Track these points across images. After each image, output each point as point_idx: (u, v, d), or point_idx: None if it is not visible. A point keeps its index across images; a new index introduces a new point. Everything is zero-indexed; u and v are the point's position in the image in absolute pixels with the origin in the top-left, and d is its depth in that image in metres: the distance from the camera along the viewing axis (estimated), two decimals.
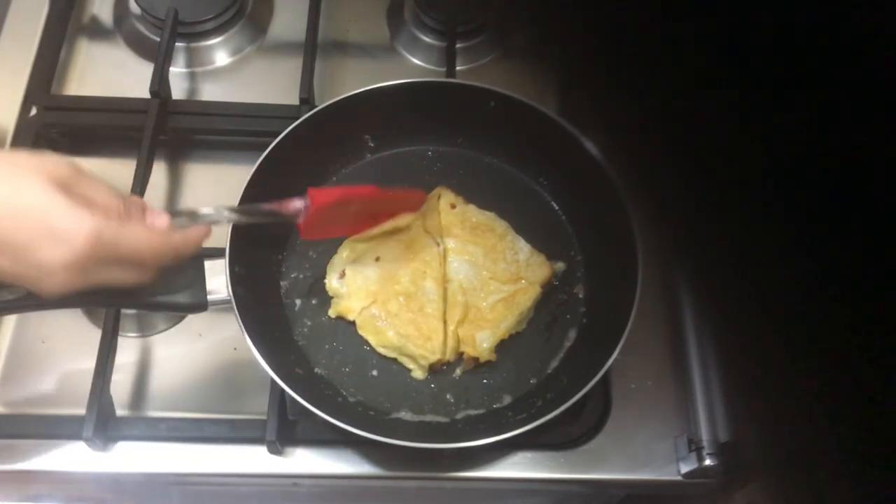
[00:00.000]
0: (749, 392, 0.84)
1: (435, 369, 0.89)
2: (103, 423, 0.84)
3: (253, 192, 0.88)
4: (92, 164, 1.01)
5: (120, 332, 0.88)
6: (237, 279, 0.83)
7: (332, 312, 0.91)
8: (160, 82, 0.99)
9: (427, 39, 1.13)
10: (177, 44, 1.08)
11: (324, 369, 0.90)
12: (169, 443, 0.86)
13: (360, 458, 0.86)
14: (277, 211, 0.79)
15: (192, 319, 0.94)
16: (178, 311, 0.92)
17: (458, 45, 1.08)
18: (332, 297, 0.92)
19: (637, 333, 0.83)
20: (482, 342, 0.89)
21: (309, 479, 0.87)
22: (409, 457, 0.85)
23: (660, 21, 1.03)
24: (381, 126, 1.00)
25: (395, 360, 0.90)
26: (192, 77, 1.10)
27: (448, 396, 0.89)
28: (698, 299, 0.94)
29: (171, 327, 0.94)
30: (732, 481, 0.84)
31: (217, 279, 0.81)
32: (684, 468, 0.86)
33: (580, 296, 0.95)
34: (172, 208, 0.69)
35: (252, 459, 0.86)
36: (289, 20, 1.15)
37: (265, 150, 0.90)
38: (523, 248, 0.94)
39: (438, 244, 0.93)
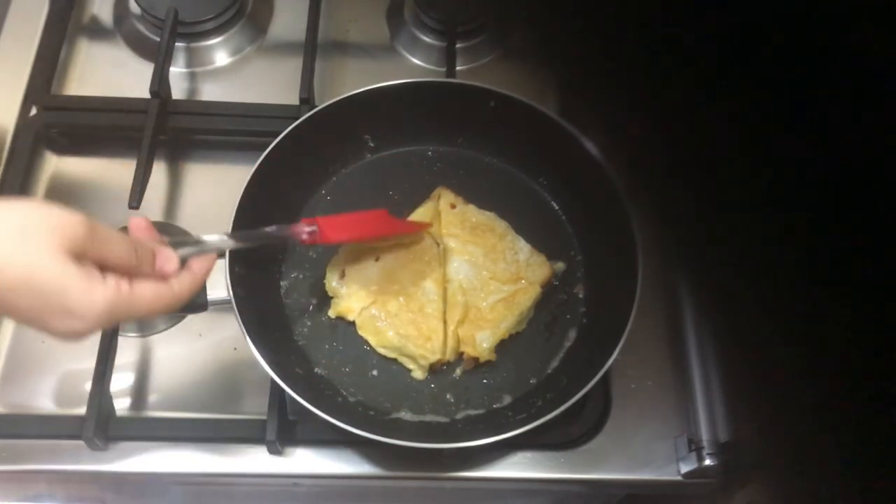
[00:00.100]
0: (749, 392, 0.84)
1: (435, 369, 0.89)
2: (103, 423, 0.84)
3: (253, 192, 0.88)
4: (92, 164, 1.03)
5: (120, 332, 0.89)
6: (237, 279, 0.83)
7: (332, 312, 0.91)
8: (160, 82, 0.99)
9: (427, 39, 1.13)
10: (177, 44, 1.08)
11: (324, 369, 0.90)
12: (169, 443, 0.86)
13: (360, 458, 0.86)
14: (284, 237, 0.79)
15: (192, 319, 0.94)
16: (179, 311, 0.92)
17: (458, 45, 1.08)
18: (331, 298, 0.92)
19: (637, 333, 0.83)
20: (482, 342, 0.89)
21: (309, 479, 0.87)
22: (409, 457, 0.85)
23: (660, 21, 1.03)
24: (381, 126, 1.00)
25: (395, 360, 0.90)
26: (192, 77, 1.10)
27: (448, 396, 0.89)
28: (698, 299, 0.94)
29: (171, 327, 0.94)
30: (732, 481, 0.84)
31: (217, 279, 0.81)
32: (684, 468, 0.86)
33: (580, 296, 0.95)
34: (178, 236, 0.68)
35: (252, 459, 0.86)
36: (289, 20, 1.15)
37: (265, 150, 0.90)
38: (523, 248, 0.94)
39: (438, 244, 0.93)
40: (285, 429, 0.85)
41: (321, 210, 0.99)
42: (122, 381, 0.90)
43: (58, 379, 0.90)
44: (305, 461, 0.86)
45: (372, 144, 1.02)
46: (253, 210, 0.88)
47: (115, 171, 1.01)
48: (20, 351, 0.91)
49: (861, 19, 0.65)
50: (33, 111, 1.03)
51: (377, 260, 0.92)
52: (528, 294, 0.91)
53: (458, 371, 0.90)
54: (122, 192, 0.93)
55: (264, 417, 0.84)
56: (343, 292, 0.91)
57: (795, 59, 0.75)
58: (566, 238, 0.99)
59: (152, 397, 0.90)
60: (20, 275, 0.55)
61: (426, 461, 0.86)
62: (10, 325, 0.93)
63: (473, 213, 0.96)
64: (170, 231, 0.97)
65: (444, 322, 0.89)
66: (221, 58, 1.12)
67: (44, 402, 0.89)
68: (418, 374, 0.89)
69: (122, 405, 0.88)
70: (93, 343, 0.86)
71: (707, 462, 0.83)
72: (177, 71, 1.09)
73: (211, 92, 1.09)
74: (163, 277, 0.65)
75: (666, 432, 0.89)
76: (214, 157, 1.04)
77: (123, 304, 0.61)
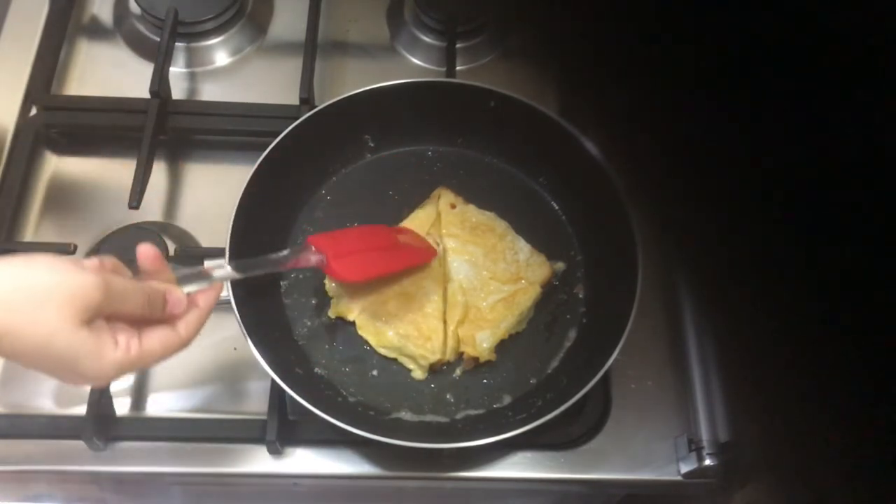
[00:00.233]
0: (749, 392, 0.84)
1: (435, 369, 0.89)
2: (103, 423, 0.84)
3: (253, 192, 0.88)
4: (92, 164, 1.03)
5: None
6: (237, 279, 0.83)
7: (331, 313, 0.91)
8: (160, 82, 0.99)
9: (427, 39, 1.13)
10: (177, 44, 1.08)
11: (324, 369, 0.90)
12: (169, 443, 0.86)
13: (360, 458, 0.86)
14: (290, 266, 0.79)
15: None
16: None
17: (458, 45, 1.08)
18: (331, 298, 0.92)
19: (637, 333, 0.83)
20: (482, 342, 0.89)
21: (309, 479, 0.87)
22: (409, 457, 0.85)
23: (660, 21, 1.03)
24: (381, 126, 1.00)
25: (395, 360, 0.90)
26: (192, 77, 1.10)
27: (448, 396, 0.89)
28: (698, 299, 0.94)
29: None
30: (732, 481, 0.84)
31: None
32: (684, 468, 0.86)
33: (580, 296, 0.95)
34: (184, 268, 0.68)
35: (252, 459, 0.86)
36: (289, 20, 1.15)
37: (265, 150, 0.90)
38: (523, 248, 0.94)
39: (438, 244, 0.93)
40: (285, 429, 0.85)
41: (321, 210, 0.99)
42: (122, 381, 0.90)
43: None
44: (305, 461, 0.86)
45: (372, 144, 1.02)
46: (253, 210, 0.88)
47: (115, 171, 1.01)
48: None
49: (862, 18, 0.65)
50: (33, 111, 1.04)
51: None
52: (528, 294, 0.91)
53: (458, 371, 0.90)
54: (122, 192, 0.93)
55: (264, 417, 0.84)
56: (343, 292, 0.91)
57: (795, 59, 0.75)
58: (566, 238, 0.99)
59: (152, 397, 0.90)
60: (35, 343, 0.56)
61: (426, 461, 0.86)
62: None
63: (473, 213, 0.96)
64: (170, 231, 0.97)
65: (444, 322, 0.89)
66: (221, 58, 1.12)
67: (44, 402, 0.89)
68: (418, 374, 0.89)
69: (122, 405, 0.88)
70: None
71: (707, 462, 0.83)
72: (177, 71, 1.09)
73: (211, 92, 1.09)
74: (171, 319, 0.66)
75: (666, 432, 0.89)
76: (214, 157, 1.04)
77: (133, 363, 0.62)
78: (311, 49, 1.05)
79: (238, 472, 0.86)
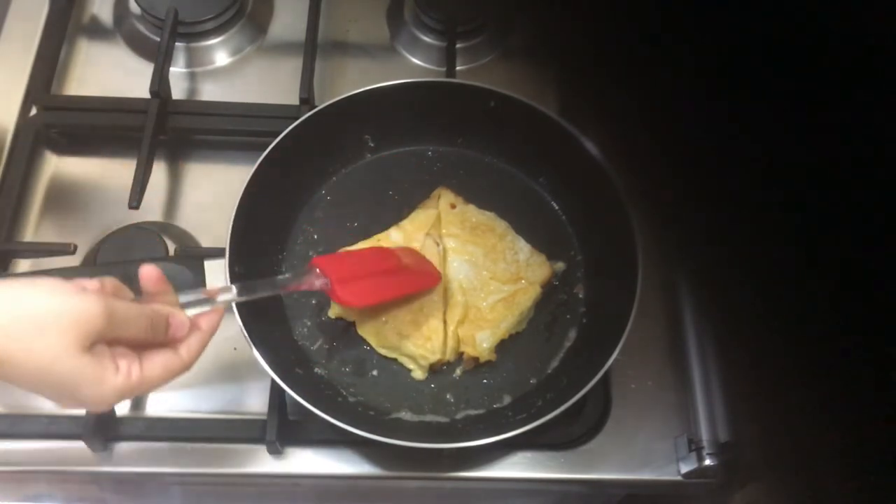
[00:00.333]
0: (749, 392, 0.84)
1: (435, 369, 0.89)
2: (103, 423, 0.84)
3: (253, 192, 0.88)
4: (92, 164, 1.03)
5: None
6: (237, 279, 0.83)
7: (331, 313, 0.91)
8: (160, 82, 0.99)
9: (427, 39, 1.13)
10: (177, 44, 1.08)
11: (324, 369, 0.90)
12: (169, 443, 0.86)
13: (360, 458, 0.86)
14: (294, 289, 0.79)
15: None
16: None
17: (458, 45, 1.08)
18: None
19: (637, 333, 0.83)
20: (482, 342, 0.89)
21: (309, 479, 0.87)
22: (409, 457, 0.85)
23: (660, 21, 1.03)
24: (381, 126, 1.00)
25: (395, 360, 0.90)
26: (192, 77, 1.10)
27: (448, 396, 0.89)
28: (698, 299, 0.94)
29: None
30: (732, 481, 0.84)
31: (217, 279, 0.81)
32: (684, 468, 0.86)
33: (580, 296, 0.95)
34: (188, 292, 0.68)
35: (252, 459, 0.86)
36: (289, 20, 1.15)
37: (265, 150, 0.90)
38: (523, 248, 0.94)
39: (438, 244, 0.93)
40: (285, 429, 0.85)
41: (321, 210, 0.99)
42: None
43: None
44: (305, 461, 0.86)
45: (372, 144, 1.02)
46: (253, 210, 0.88)
47: (115, 171, 1.01)
48: None
49: (862, 18, 0.65)
50: (33, 111, 1.03)
51: None
52: (528, 294, 0.91)
53: (458, 371, 0.90)
54: (122, 192, 0.93)
55: (264, 417, 0.84)
56: None
57: (795, 59, 0.75)
58: (566, 238, 0.99)
59: (152, 397, 0.90)
60: (36, 369, 0.56)
61: (426, 461, 0.86)
62: None
63: (473, 213, 0.96)
64: (170, 231, 0.97)
65: (444, 322, 0.89)
66: (221, 58, 1.12)
67: (44, 402, 0.88)
68: (418, 374, 0.89)
69: (122, 405, 0.88)
70: None
71: (707, 462, 0.83)
72: (177, 71, 1.09)
73: (211, 92, 1.09)
74: (174, 342, 0.66)
75: (666, 432, 0.89)
76: (214, 157, 1.04)
77: (135, 389, 0.61)
78: (311, 49, 1.05)
79: (238, 472, 0.86)
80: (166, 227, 0.98)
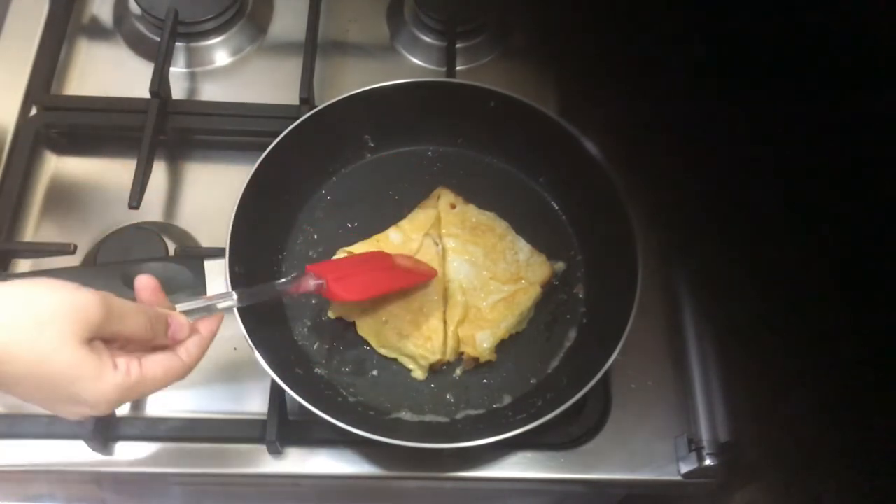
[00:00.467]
0: (749, 392, 0.84)
1: (435, 369, 0.89)
2: (103, 423, 0.84)
3: (253, 192, 0.88)
4: (92, 164, 1.03)
5: None
6: (237, 279, 0.83)
7: (331, 313, 0.91)
8: (160, 82, 0.99)
9: (427, 39, 1.13)
10: (177, 44, 1.08)
11: (324, 369, 0.90)
12: (169, 443, 0.86)
13: (360, 458, 0.86)
14: (290, 292, 0.79)
15: None
16: None
17: (458, 45, 1.08)
18: None
19: (637, 333, 0.83)
20: (482, 342, 0.89)
21: (309, 479, 0.87)
22: (409, 457, 0.85)
23: (660, 21, 1.03)
24: (381, 126, 1.00)
25: (395, 360, 0.90)
26: (192, 77, 1.10)
27: (448, 396, 0.89)
28: (698, 299, 0.94)
29: None
30: (732, 481, 0.84)
31: (217, 279, 0.81)
32: (684, 468, 0.86)
33: (580, 296, 0.95)
34: (188, 300, 0.68)
35: (252, 459, 0.86)
36: (289, 20, 1.15)
37: (265, 150, 0.90)
38: (523, 248, 0.94)
39: (438, 244, 0.93)
40: (285, 429, 0.85)
41: (321, 210, 0.99)
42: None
43: None
44: (305, 461, 0.86)
45: (372, 144, 1.02)
46: (253, 210, 0.88)
47: (115, 171, 1.01)
48: None
49: (864, 18, 0.65)
50: (33, 111, 1.04)
51: None
52: (528, 294, 0.91)
53: (458, 371, 0.90)
54: (122, 192, 0.93)
55: (264, 417, 0.84)
56: None
57: (795, 59, 0.75)
58: (566, 238, 0.99)
59: (152, 397, 0.90)
60: (30, 365, 0.55)
61: (426, 461, 0.86)
62: None
63: (473, 213, 0.96)
64: (170, 231, 0.97)
65: (444, 322, 0.89)
66: (221, 58, 1.12)
67: None
68: (418, 374, 0.89)
69: (122, 405, 0.88)
70: None
71: (707, 462, 0.83)
72: (177, 71, 1.09)
73: (211, 92, 1.09)
74: (174, 344, 0.65)
75: (666, 432, 0.89)
76: (214, 157, 1.04)
77: (134, 388, 0.60)
78: (311, 49, 1.05)
79: (238, 473, 0.86)
80: (166, 227, 0.98)
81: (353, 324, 0.90)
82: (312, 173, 0.99)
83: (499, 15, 1.15)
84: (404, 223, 0.95)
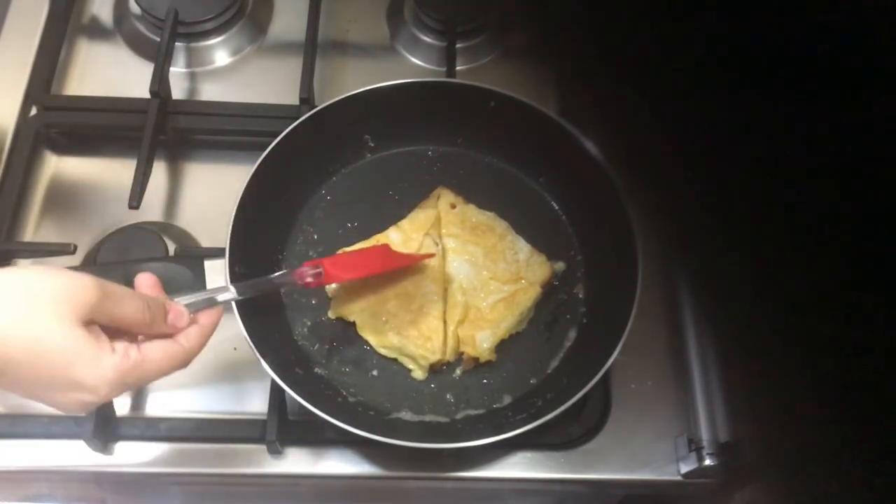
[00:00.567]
0: (749, 392, 0.84)
1: (435, 369, 0.89)
2: (103, 423, 0.84)
3: (253, 192, 0.88)
4: (92, 164, 1.03)
5: None
6: (237, 279, 0.83)
7: (331, 313, 0.91)
8: (160, 82, 0.99)
9: (427, 39, 1.13)
10: (177, 44, 1.08)
11: (324, 369, 0.90)
12: (169, 443, 0.86)
13: (360, 458, 0.86)
14: (290, 283, 0.79)
15: None
16: None
17: (458, 45, 1.08)
18: (331, 298, 0.92)
19: (637, 333, 0.83)
20: (482, 342, 0.89)
21: (309, 479, 0.87)
22: (409, 457, 0.85)
23: (660, 20, 1.03)
24: (381, 126, 1.00)
25: (395, 360, 0.90)
26: (192, 77, 1.10)
27: (448, 396, 0.89)
28: (698, 299, 0.94)
29: None
30: (732, 481, 0.84)
31: (217, 279, 0.81)
32: (684, 468, 0.86)
33: (580, 296, 0.95)
34: (185, 293, 0.68)
35: (252, 459, 0.86)
36: (289, 20, 1.15)
37: (265, 150, 0.90)
38: (523, 248, 0.94)
39: (438, 244, 0.93)
40: (285, 429, 0.85)
41: (321, 210, 0.99)
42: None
43: None
44: (305, 461, 0.86)
45: (372, 144, 1.02)
46: (253, 210, 0.88)
47: (115, 171, 1.01)
48: None
49: (864, 18, 0.65)
50: (33, 111, 1.04)
51: None
52: (528, 294, 0.91)
53: (458, 371, 0.90)
54: (122, 192, 0.93)
55: (264, 417, 0.84)
56: (343, 292, 0.91)
57: (797, 58, 0.75)
58: (566, 238, 0.99)
59: (152, 397, 0.90)
60: (25, 346, 0.54)
61: (426, 461, 0.86)
62: None
63: (473, 213, 0.96)
64: (170, 231, 0.97)
65: (444, 322, 0.89)
66: (221, 58, 1.12)
67: None
68: (418, 374, 0.89)
69: (122, 405, 0.88)
70: None
71: (707, 462, 0.83)
72: (177, 71, 1.09)
73: (211, 92, 1.09)
74: (173, 332, 0.65)
75: (666, 432, 0.89)
76: (214, 157, 1.04)
77: (134, 371, 0.60)
78: (311, 49, 1.05)
79: (238, 473, 0.86)
80: (166, 227, 0.98)
81: (353, 324, 0.91)
82: (312, 173, 0.99)
83: (499, 15, 1.15)
84: (404, 223, 0.95)
